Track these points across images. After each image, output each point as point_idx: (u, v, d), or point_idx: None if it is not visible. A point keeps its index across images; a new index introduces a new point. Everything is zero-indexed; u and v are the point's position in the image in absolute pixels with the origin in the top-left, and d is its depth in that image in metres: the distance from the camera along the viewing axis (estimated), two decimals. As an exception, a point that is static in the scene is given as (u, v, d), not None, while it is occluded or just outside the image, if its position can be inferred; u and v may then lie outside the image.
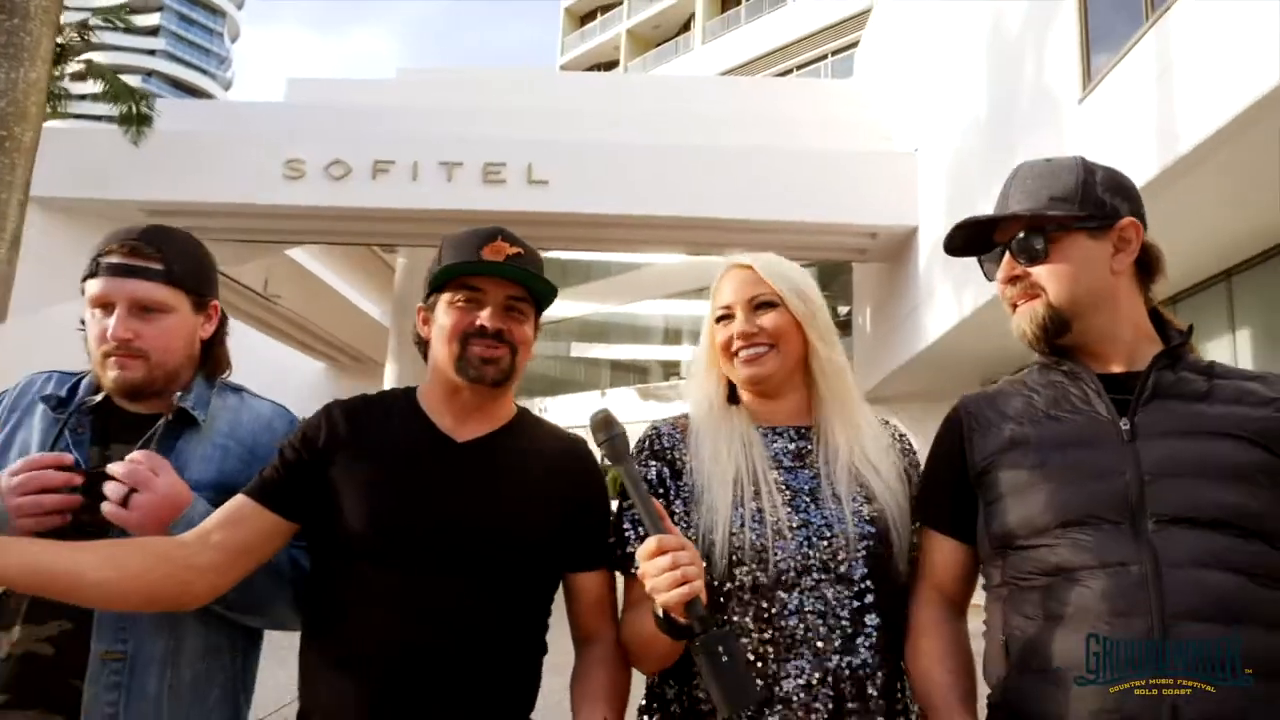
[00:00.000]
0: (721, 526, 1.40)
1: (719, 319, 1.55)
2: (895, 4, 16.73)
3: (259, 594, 1.46)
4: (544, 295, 1.50)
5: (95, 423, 1.50)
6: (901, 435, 1.65)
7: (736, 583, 1.40)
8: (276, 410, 1.66)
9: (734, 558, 1.40)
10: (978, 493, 1.41)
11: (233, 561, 1.38)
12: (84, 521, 1.39)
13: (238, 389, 1.65)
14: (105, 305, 1.48)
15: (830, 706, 1.36)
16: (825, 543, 1.42)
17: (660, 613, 1.25)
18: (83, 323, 1.53)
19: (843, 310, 20.23)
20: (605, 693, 1.39)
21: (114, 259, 1.47)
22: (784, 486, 1.46)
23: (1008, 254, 1.42)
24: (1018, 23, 10.16)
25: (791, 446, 1.52)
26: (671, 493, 1.49)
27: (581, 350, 27.51)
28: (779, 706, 1.36)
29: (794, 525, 1.42)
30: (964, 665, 1.44)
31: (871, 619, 1.42)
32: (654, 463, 1.50)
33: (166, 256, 1.49)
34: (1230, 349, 9.88)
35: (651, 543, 1.23)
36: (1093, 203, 1.40)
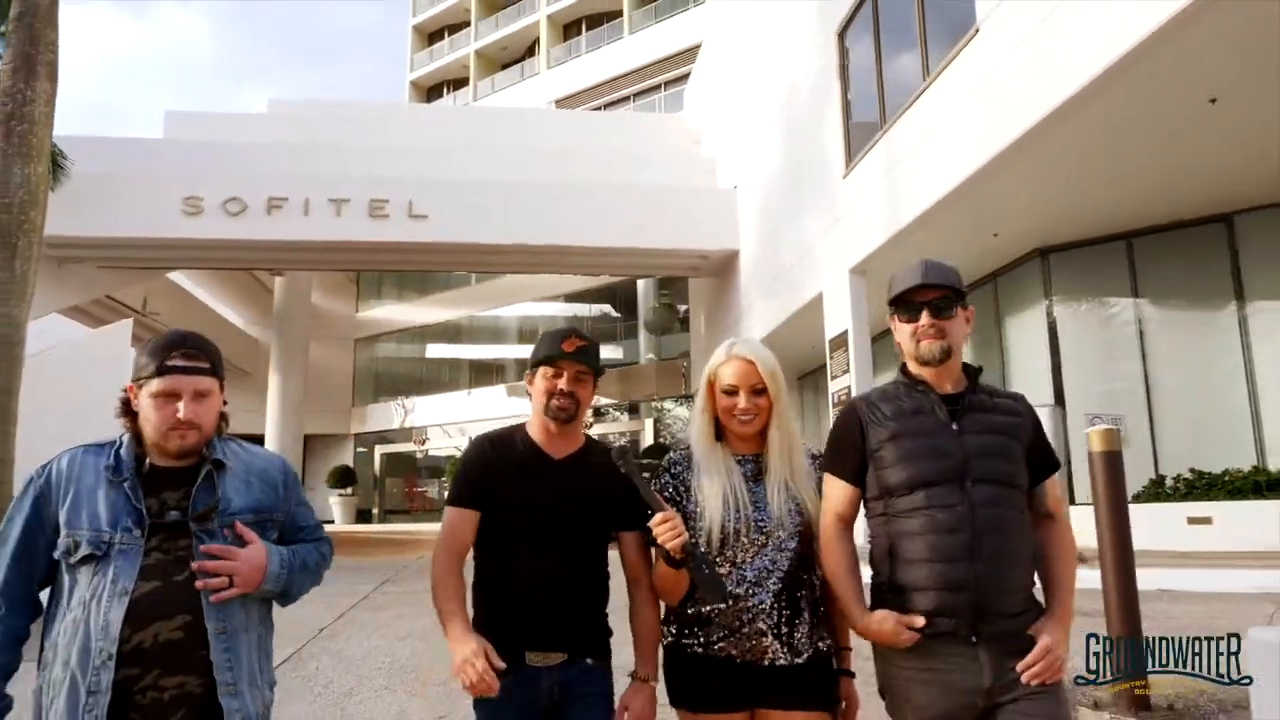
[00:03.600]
0: (716, 521, 2.06)
1: (726, 391, 2.13)
2: (714, 57, 19.12)
3: (300, 588, 2.01)
4: (598, 370, 2.18)
5: (144, 480, 1.86)
6: (816, 456, 2.23)
7: (723, 551, 2.08)
8: (269, 454, 2.11)
9: (723, 539, 2.06)
10: (869, 461, 2.06)
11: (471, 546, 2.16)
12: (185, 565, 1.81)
13: (232, 439, 2.04)
14: (172, 395, 1.83)
15: (775, 618, 2.04)
16: (771, 527, 2.08)
17: (668, 555, 1.94)
18: (124, 404, 1.89)
19: (682, 308, 22.40)
20: (649, 629, 2.16)
21: (177, 362, 1.83)
22: (750, 494, 2.10)
23: (927, 310, 2.02)
24: (804, 106, 12.70)
25: (753, 468, 2.15)
26: (683, 499, 2.14)
27: (444, 352, 28.70)
28: (748, 615, 2.02)
29: (756, 519, 2.07)
30: (856, 569, 2.07)
31: (801, 573, 2.09)
32: (671, 480, 2.17)
33: (207, 356, 1.89)
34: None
35: (658, 516, 1.93)
36: (961, 291, 2.08)
